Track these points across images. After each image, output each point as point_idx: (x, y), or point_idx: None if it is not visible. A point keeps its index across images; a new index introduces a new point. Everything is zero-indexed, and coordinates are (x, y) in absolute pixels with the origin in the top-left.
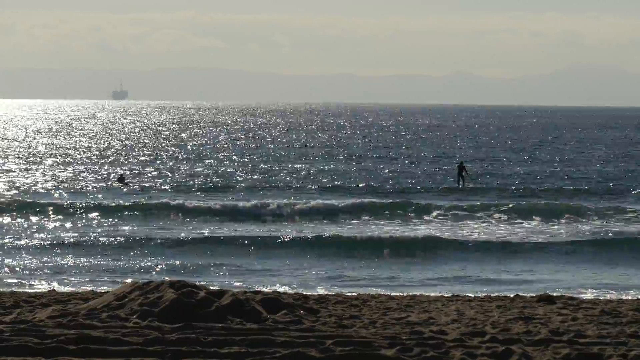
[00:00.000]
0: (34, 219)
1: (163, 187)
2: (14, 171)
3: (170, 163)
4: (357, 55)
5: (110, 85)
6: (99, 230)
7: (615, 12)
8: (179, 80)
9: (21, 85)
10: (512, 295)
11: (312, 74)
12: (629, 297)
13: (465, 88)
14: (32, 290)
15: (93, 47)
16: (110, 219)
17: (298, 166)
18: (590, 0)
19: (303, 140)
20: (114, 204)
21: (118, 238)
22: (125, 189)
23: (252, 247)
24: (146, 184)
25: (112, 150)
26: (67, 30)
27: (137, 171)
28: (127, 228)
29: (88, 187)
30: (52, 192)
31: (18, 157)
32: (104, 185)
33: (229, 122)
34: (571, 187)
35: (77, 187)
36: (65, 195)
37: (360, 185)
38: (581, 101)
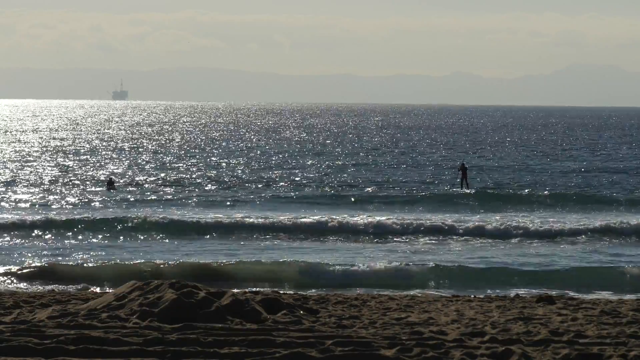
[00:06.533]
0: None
1: (150, 191)
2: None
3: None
4: (357, 55)
5: (110, 85)
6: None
7: (615, 12)
8: (179, 80)
9: (21, 85)
10: (512, 296)
11: (312, 74)
12: (629, 297)
13: (465, 88)
14: (32, 291)
15: (93, 47)
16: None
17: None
18: (590, 0)
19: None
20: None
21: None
22: (114, 193)
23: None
24: (135, 188)
25: (104, 151)
26: (67, 30)
27: (129, 174)
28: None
29: (77, 191)
30: (40, 196)
31: (12, 160)
32: (93, 190)
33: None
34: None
35: (66, 192)
36: (52, 200)
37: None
38: (581, 101)
